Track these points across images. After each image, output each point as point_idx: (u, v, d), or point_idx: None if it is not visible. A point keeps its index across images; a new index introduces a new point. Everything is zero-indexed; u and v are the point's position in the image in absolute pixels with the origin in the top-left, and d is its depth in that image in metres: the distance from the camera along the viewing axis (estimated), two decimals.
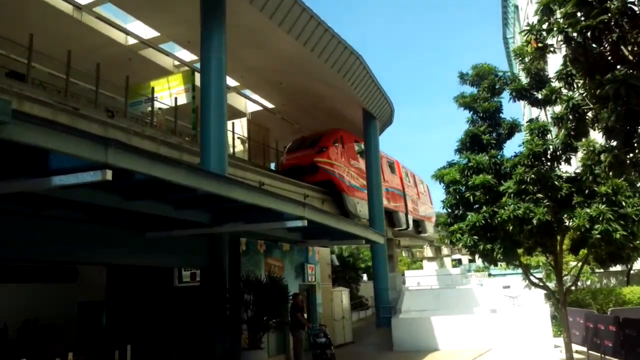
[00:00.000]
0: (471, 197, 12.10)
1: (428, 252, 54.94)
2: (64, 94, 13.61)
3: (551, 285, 15.57)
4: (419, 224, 32.39)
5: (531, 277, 13.79)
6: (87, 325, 14.76)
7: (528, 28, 7.90)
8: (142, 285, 14.13)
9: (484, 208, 11.92)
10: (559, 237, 12.21)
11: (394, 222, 27.71)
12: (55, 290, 14.17)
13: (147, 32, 18.67)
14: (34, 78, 13.30)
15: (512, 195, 11.45)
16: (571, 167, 12.33)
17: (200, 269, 12.67)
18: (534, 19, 7.78)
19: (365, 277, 38.85)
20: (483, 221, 11.72)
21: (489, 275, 44.67)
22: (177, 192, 7.80)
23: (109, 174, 5.45)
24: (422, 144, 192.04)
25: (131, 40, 19.09)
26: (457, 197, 12.63)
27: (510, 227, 11.25)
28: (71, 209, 8.66)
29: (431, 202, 36.41)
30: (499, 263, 13.51)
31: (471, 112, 13.13)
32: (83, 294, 14.77)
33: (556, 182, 11.23)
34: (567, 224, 11.51)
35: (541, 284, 13.69)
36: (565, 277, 13.42)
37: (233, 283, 12.19)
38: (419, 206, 32.45)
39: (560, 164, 11.53)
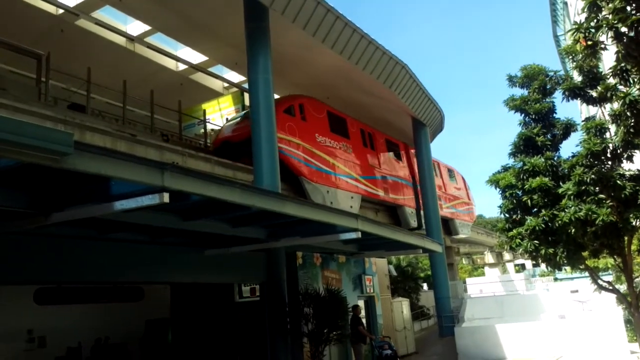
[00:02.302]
0: (529, 201, 11.80)
1: (489, 258, 53.53)
2: (121, 122, 14.32)
3: (621, 288, 14.86)
4: (447, 224, 27.25)
5: (599, 281, 13.23)
6: (154, 343, 15.27)
7: (576, 27, 7.70)
8: (204, 302, 14.52)
9: (543, 211, 11.59)
10: (626, 238, 11.69)
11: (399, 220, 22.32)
12: (123, 309, 14.77)
13: (196, 57, 19.37)
14: (93, 108, 14.07)
15: (572, 197, 11.09)
16: (634, 164, 11.81)
17: (259, 284, 12.92)
18: (582, 17, 7.58)
19: (425, 286, 38.23)
20: (543, 225, 11.40)
21: (555, 279, 42.98)
22: (232, 210, 8.02)
23: (166, 197, 5.70)
24: (473, 148, 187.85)
25: (182, 66, 19.87)
26: (514, 201, 12.35)
27: (573, 230, 10.88)
28: (133, 231, 9.08)
29: (469, 197, 31.16)
30: (563, 267, 13.05)
31: (523, 115, 12.85)
32: (149, 312, 15.31)
33: (619, 181, 10.78)
34: (634, 223, 11.00)
35: (610, 287, 13.10)
36: (637, 280, 12.80)
37: (292, 297, 12.33)
38: (445, 201, 26.94)
39: (622, 162, 11.08)
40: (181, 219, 8.23)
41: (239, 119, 16.79)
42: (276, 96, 16.15)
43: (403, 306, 20.42)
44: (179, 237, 10.05)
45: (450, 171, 29.04)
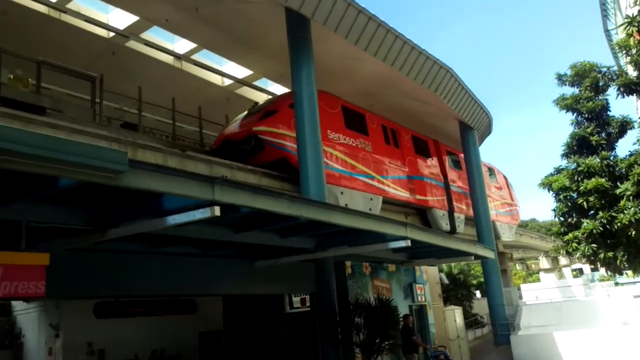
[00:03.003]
0: (584, 203, 11.43)
1: (544, 263, 51.77)
2: (171, 138, 14.74)
3: None
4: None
5: None
6: (208, 354, 15.51)
7: (629, 20, 7.42)
8: (256, 313, 14.68)
9: (600, 214, 11.20)
10: None
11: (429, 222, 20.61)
12: (177, 321, 15.07)
13: (241, 71, 19.75)
14: (144, 126, 14.54)
15: (631, 197, 10.63)
16: None
17: (309, 294, 12.96)
18: (635, 10, 7.29)
19: (478, 294, 37.35)
20: (601, 228, 11.00)
21: (616, 284, 41.17)
22: (281, 221, 8.11)
23: (217, 210, 5.82)
24: (520, 150, 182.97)
25: (227, 81, 20.31)
26: (569, 204, 11.98)
27: (633, 232, 10.43)
28: (186, 244, 9.31)
29: (512, 197, 28.77)
30: (624, 271, 12.50)
31: (574, 114, 12.46)
32: (202, 324, 15.58)
33: None
34: None
35: None
36: None
37: (342, 306, 12.30)
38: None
39: None
40: (232, 231, 8.38)
41: (242, 116, 15.51)
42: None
43: (456, 314, 20.00)
44: (230, 249, 10.24)
45: (490, 170, 27.07)
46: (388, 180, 17.50)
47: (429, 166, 20.88)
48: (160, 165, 5.58)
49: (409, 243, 9.76)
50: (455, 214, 21.45)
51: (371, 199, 16.30)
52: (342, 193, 15.00)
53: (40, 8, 15.40)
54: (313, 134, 12.77)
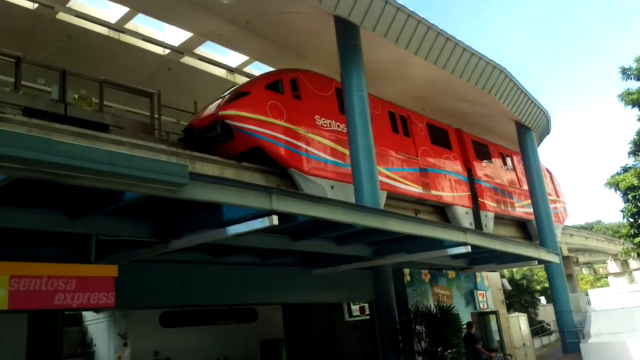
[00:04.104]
0: None
1: (613, 267, 49.36)
2: None
3: None
4: (525, 226, 23.09)
5: None
6: None
7: None
8: (315, 321, 14.71)
9: None
10: None
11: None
12: (239, 330, 15.31)
13: None
14: None
15: None
16: None
17: (368, 302, 12.88)
18: None
19: (542, 299, 36.01)
20: None
21: None
22: (337, 229, 8.11)
23: (275, 220, 5.89)
24: (585, 149, 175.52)
25: None
26: (639, 204, 11.34)
27: None
28: (245, 253, 9.47)
29: (557, 194, 25.73)
30: None
31: None
32: (263, 332, 15.76)
33: None
34: None
35: None
36: None
37: (402, 314, 12.15)
38: (519, 199, 22.25)
39: None
40: (290, 240, 8.47)
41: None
42: None
43: (520, 322, 19.35)
44: (288, 257, 10.35)
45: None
46: (395, 173, 15.37)
47: (449, 158, 18.53)
48: (219, 176, 5.69)
49: (468, 249, 9.54)
50: (482, 212, 19.09)
51: None
52: (332, 187, 13.20)
53: (101, 30, 16.16)
54: (365, 139, 12.71)
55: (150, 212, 6.48)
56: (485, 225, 18.81)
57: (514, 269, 31.71)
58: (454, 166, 18.55)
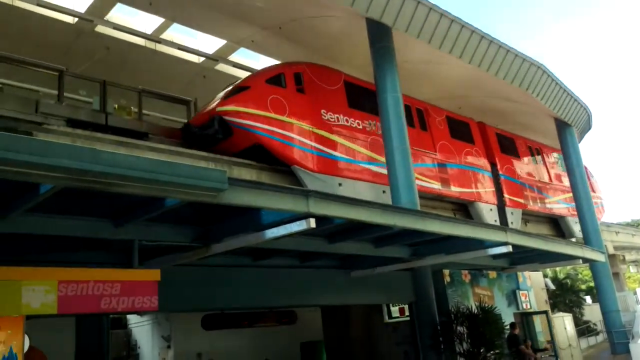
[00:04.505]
0: None
1: None
2: None
3: None
4: (557, 224, 21.83)
5: None
6: None
7: None
8: (355, 323, 14.70)
9: None
10: None
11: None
12: (280, 332, 15.45)
13: None
14: None
15: None
16: None
17: (408, 303, 12.80)
18: None
19: (588, 299, 34.99)
20: None
21: None
22: (374, 231, 8.10)
23: (312, 222, 5.93)
24: (630, 145, 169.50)
25: None
26: None
27: None
28: (283, 256, 9.56)
29: (593, 189, 23.94)
30: None
31: None
32: (303, 334, 15.85)
33: None
34: None
35: None
36: None
37: (443, 316, 12.04)
38: (549, 194, 21.06)
39: None
40: (327, 242, 8.50)
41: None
42: None
43: (565, 322, 18.85)
44: (325, 259, 10.40)
45: (561, 156, 22.94)
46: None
47: (471, 152, 17.55)
48: (256, 181, 5.78)
49: (510, 248, 9.39)
50: (508, 209, 18.04)
51: (384, 192, 13.34)
52: (340, 185, 12.62)
53: (138, 41, 16.59)
54: (401, 141, 12.64)
55: (190, 217, 6.63)
56: (512, 223, 17.79)
57: (557, 268, 30.92)
58: (477, 161, 17.62)
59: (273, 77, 12.51)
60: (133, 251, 6.53)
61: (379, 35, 13.45)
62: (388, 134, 12.76)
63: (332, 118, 13.21)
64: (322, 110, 13.07)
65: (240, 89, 12.09)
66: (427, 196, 15.21)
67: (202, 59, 17.99)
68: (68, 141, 8.81)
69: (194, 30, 16.49)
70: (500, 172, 18.41)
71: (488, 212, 17.22)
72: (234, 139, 11.69)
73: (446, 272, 13.56)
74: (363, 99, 14.30)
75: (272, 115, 11.86)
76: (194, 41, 17.80)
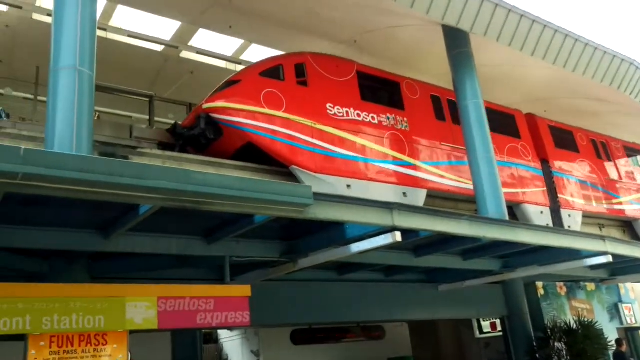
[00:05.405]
0: None
1: None
2: None
3: None
4: (632, 227, 18.59)
5: None
6: None
7: None
8: (443, 338, 14.31)
9: None
10: None
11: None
12: (367, 347, 15.26)
13: None
14: None
15: None
16: None
17: (500, 318, 12.29)
18: None
19: None
20: None
21: None
22: (461, 243, 7.88)
23: (398, 236, 5.85)
24: None
25: None
26: None
27: None
28: (368, 270, 9.50)
29: None
30: None
31: None
32: (391, 349, 15.56)
33: None
34: None
35: None
36: None
37: (538, 330, 11.46)
38: (619, 194, 18.23)
39: None
40: (413, 255, 8.35)
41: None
42: None
43: None
44: (411, 273, 10.21)
45: (633, 151, 20.05)
46: (437, 167, 13.05)
47: (516, 148, 15.42)
48: (341, 195, 5.81)
49: (609, 259, 8.78)
50: (564, 211, 15.56)
51: (404, 194, 11.88)
52: (349, 186, 11.12)
53: (220, 63, 17.27)
54: (485, 150, 12.19)
55: (277, 233, 6.75)
56: (569, 226, 15.19)
57: None
58: (523, 157, 15.39)
59: (269, 70, 11.37)
60: (224, 267, 6.73)
61: (457, 41, 13.14)
62: (471, 143, 12.37)
63: (340, 112, 11.91)
64: (329, 105, 11.81)
65: (230, 83, 10.99)
66: (460, 198, 13.32)
67: None
68: (159, 163, 9.25)
69: (274, 50, 16.92)
70: (554, 170, 16.17)
71: (538, 215, 14.67)
72: (224, 138, 10.60)
73: (539, 284, 12.89)
74: (380, 90, 13.26)
75: (266, 110, 10.68)
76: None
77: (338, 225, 6.19)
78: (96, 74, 6.77)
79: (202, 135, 10.34)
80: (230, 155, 10.77)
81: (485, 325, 13.46)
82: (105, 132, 10.00)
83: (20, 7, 13.54)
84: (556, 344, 10.99)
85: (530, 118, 16.82)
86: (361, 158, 11.66)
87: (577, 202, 16.23)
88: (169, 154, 9.96)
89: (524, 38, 14.22)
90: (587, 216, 16.73)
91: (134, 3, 13.41)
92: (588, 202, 16.69)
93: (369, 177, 11.53)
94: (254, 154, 10.58)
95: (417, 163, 12.46)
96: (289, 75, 11.54)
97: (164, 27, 14.79)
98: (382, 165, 11.90)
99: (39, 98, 10.55)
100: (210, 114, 10.30)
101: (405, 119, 12.99)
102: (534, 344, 11.13)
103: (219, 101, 10.41)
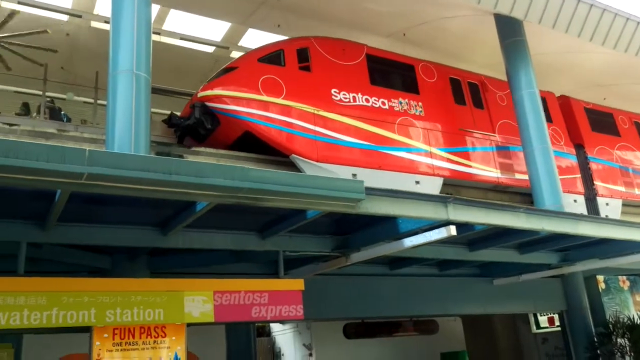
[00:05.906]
0: None
1: None
2: None
3: None
4: None
5: None
6: None
7: None
8: (498, 333, 14.02)
9: None
10: None
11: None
12: (420, 341, 15.18)
13: None
14: None
15: None
16: None
17: (558, 312, 11.95)
18: None
19: None
20: None
21: None
22: (518, 236, 7.69)
23: (453, 230, 5.76)
24: None
25: None
26: None
27: None
28: (421, 264, 9.41)
29: None
30: None
31: None
32: (444, 344, 15.41)
33: None
34: None
35: None
36: None
37: (599, 326, 11.07)
38: None
39: None
40: (467, 249, 8.23)
41: None
42: None
43: None
44: (465, 267, 10.06)
45: None
46: (455, 154, 12.40)
47: (549, 132, 13.27)
48: (393, 189, 5.76)
49: None
50: (602, 199, 14.53)
51: (417, 182, 11.33)
52: (354, 175, 10.53)
53: None
54: (541, 141, 11.88)
55: (329, 227, 6.80)
56: (607, 215, 14.16)
57: None
58: (554, 142, 13.81)
59: (268, 55, 10.85)
60: (278, 261, 6.84)
61: (510, 30, 12.82)
62: (527, 134, 12.07)
63: (346, 98, 11.23)
64: (334, 90, 11.18)
65: (227, 70, 10.51)
66: (481, 186, 12.76)
67: None
68: (213, 161, 9.48)
69: None
70: (590, 155, 15.15)
71: (570, 204, 13.49)
72: (222, 128, 10.20)
73: (600, 278, 12.43)
74: (392, 74, 12.58)
75: (264, 97, 10.17)
76: None
77: (390, 220, 6.17)
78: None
79: (199, 125, 9.98)
80: (230, 144, 10.47)
81: (543, 320, 13.10)
82: (155, 132, 9.82)
83: (80, 16, 14.19)
84: (619, 339, 10.58)
85: (564, 100, 15.71)
86: (369, 145, 11.05)
87: (616, 190, 15.21)
88: (221, 151, 10.16)
89: (582, 24, 13.69)
90: (629, 204, 15.58)
91: (186, 6, 13.78)
92: (630, 189, 15.56)
93: (378, 165, 10.96)
94: (254, 143, 10.22)
95: (433, 150, 11.89)
96: (291, 61, 11.01)
97: (215, 29, 15.14)
98: (392, 152, 11.33)
99: (99, 102, 10.97)
100: (206, 103, 9.92)
101: (420, 104, 12.34)
102: (595, 339, 10.75)
103: (215, 89, 10.00)
